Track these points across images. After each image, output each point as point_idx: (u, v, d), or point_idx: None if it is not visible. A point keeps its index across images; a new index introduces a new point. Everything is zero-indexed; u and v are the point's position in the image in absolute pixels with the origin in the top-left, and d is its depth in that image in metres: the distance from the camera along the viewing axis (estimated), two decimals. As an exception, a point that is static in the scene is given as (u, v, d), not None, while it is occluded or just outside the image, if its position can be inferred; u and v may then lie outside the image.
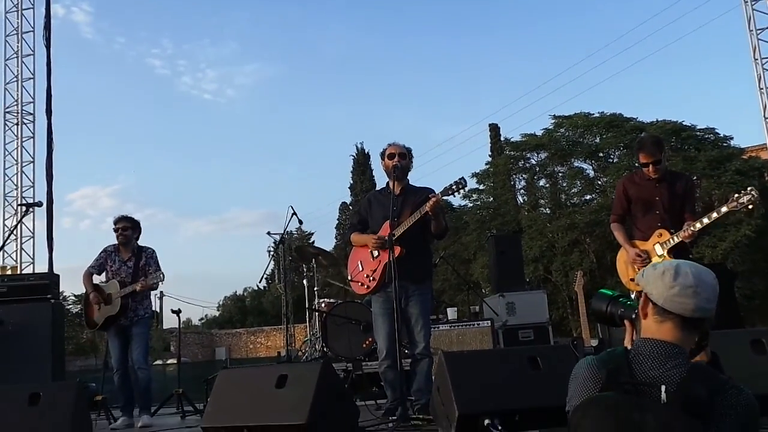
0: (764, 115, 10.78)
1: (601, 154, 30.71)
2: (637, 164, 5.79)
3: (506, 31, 63.97)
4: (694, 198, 5.55)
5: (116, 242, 6.94)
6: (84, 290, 7.03)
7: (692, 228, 5.13)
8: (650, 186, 5.50)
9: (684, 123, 29.19)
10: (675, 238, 5.21)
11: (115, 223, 6.94)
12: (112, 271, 6.84)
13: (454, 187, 5.12)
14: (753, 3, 10.82)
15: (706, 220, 5.17)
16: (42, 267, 11.06)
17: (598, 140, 30.42)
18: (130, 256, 6.87)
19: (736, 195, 5.08)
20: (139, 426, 6.35)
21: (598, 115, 30.27)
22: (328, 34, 67.28)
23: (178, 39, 69.54)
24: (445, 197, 5.18)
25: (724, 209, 5.11)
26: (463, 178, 5.15)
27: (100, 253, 6.96)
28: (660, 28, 68.10)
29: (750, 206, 5.03)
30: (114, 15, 67.74)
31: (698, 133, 29.03)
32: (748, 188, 5.10)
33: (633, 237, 5.58)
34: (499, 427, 3.64)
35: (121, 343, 6.72)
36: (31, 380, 6.81)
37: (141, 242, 7.05)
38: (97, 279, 6.91)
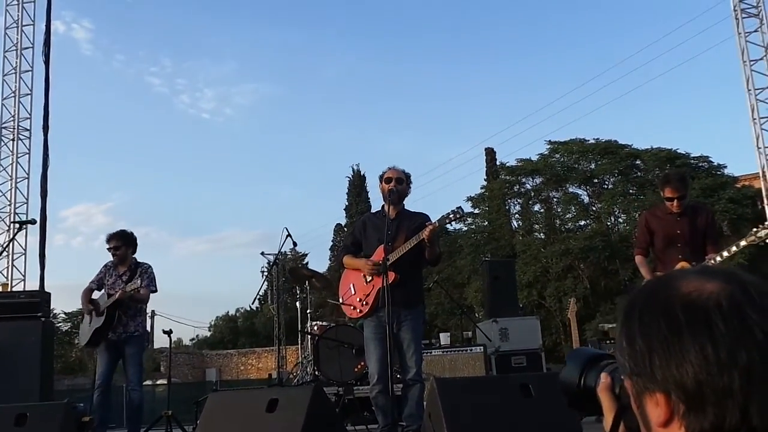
0: (757, 145, 10.88)
1: (595, 180, 30.87)
2: (662, 197, 5.81)
3: (504, 56, 64.45)
4: (716, 230, 5.69)
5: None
6: (81, 308, 6.97)
7: (713, 261, 5.28)
8: (672, 220, 5.61)
9: (678, 151, 29.46)
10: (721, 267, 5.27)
11: (108, 242, 6.84)
12: (108, 285, 6.75)
13: (451, 216, 5.14)
14: (747, 35, 10.95)
15: (726, 254, 5.31)
16: (33, 284, 11.02)
17: (593, 166, 30.58)
18: (125, 271, 6.77)
19: (755, 229, 5.24)
20: None
21: (593, 141, 30.49)
22: (327, 56, 67.69)
23: (178, 58, 69.90)
24: (442, 225, 5.20)
25: (743, 243, 5.27)
26: (460, 207, 5.18)
27: (100, 269, 6.90)
28: (655, 57, 68.61)
29: (767, 240, 5.15)
30: (114, 32, 68.09)
31: (692, 161, 29.23)
32: (766, 223, 5.23)
33: (655, 269, 5.67)
34: (491, 456, 3.62)
35: (109, 359, 6.53)
36: (18, 400, 6.75)
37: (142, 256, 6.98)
38: (98, 295, 6.82)
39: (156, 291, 6.91)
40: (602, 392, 1.10)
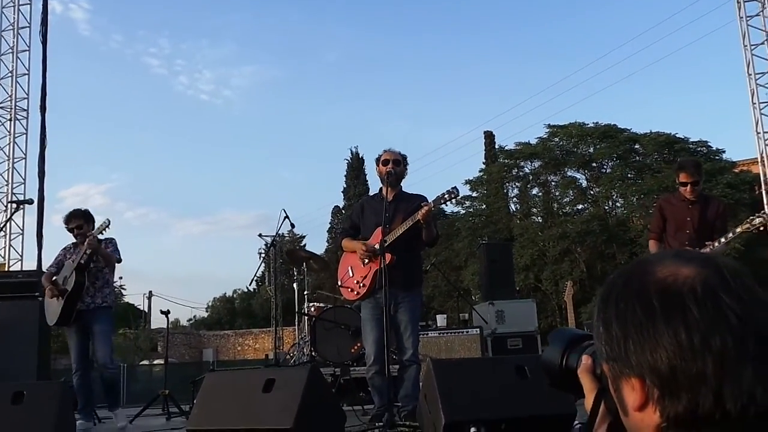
0: (756, 130, 10.87)
1: (594, 164, 30.81)
2: (675, 184, 6.12)
3: (503, 39, 64.18)
4: (725, 223, 5.81)
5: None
6: None
7: (711, 247, 5.43)
8: (684, 207, 5.84)
9: (677, 135, 29.39)
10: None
11: (67, 222, 6.58)
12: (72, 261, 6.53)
13: (446, 196, 5.15)
14: (748, 19, 10.90)
15: (723, 240, 5.50)
16: (31, 264, 11.03)
17: (591, 150, 30.51)
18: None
19: (751, 217, 5.48)
20: (119, 426, 6.20)
21: (592, 125, 30.37)
22: (326, 38, 67.36)
23: (177, 38, 69.51)
24: (438, 206, 5.22)
25: (738, 230, 5.51)
26: (455, 187, 5.19)
27: (58, 253, 6.71)
28: (656, 41, 68.45)
29: (761, 228, 5.28)
30: (112, 12, 67.58)
31: (691, 145, 29.20)
32: (762, 211, 5.36)
33: None
34: (485, 436, 3.65)
35: (80, 340, 6.38)
36: (16, 378, 6.77)
37: (127, 238, 6.85)
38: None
39: (120, 261, 6.72)
40: (583, 374, 1.11)
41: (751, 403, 0.86)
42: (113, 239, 6.68)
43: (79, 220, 6.54)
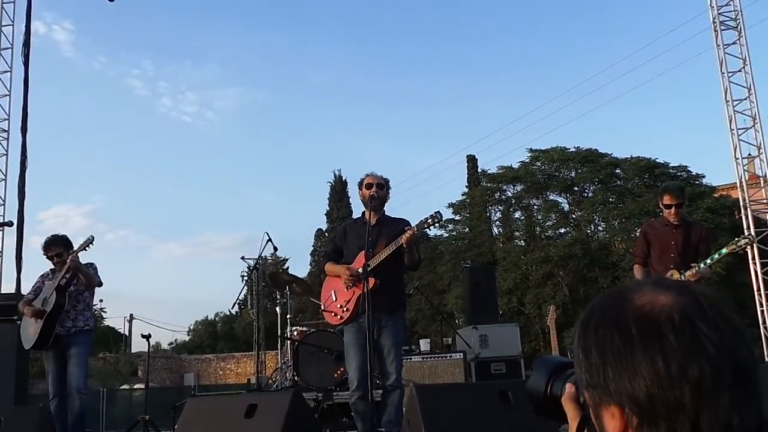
0: (735, 156, 10.98)
1: (576, 188, 31.01)
2: (657, 208, 6.21)
3: (486, 65, 64.72)
4: (708, 247, 5.84)
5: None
6: None
7: (696, 268, 5.49)
8: (668, 231, 5.88)
9: (657, 160, 29.68)
10: (683, 277, 5.50)
11: (46, 249, 6.45)
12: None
13: (429, 220, 5.16)
14: (725, 47, 11.07)
15: (708, 261, 5.55)
16: (9, 287, 10.88)
17: (573, 174, 30.72)
18: (67, 272, 6.33)
19: (736, 239, 5.54)
20: None
21: (573, 149, 30.64)
22: (309, 61, 67.58)
23: (160, 60, 69.44)
24: (421, 230, 5.23)
25: (724, 251, 5.57)
26: (438, 212, 5.20)
27: (37, 279, 6.61)
28: (636, 67, 69.36)
29: (746, 248, 5.34)
30: (96, 34, 67.76)
31: (671, 170, 29.46)
32: (746, 233, 5.45)
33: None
34: (469, 462, 3.63)
35: (58, 367, 6.23)
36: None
37: (108, 260, 6.71)
38: None
39: (101, 284, 6.60)
40: (566, 402, 1.12)
41: (727, 431, 0.87)
42: (93, 264, 6.56)
43: (59, 248, 6.41)
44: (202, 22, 67.52)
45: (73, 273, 6.21)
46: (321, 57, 67.14)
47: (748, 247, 5.43)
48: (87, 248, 6.17)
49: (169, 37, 67.32)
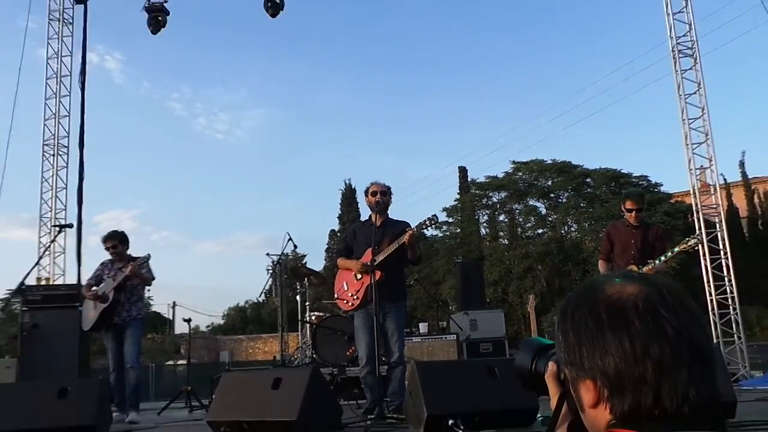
0: (689, 167, 10.95)
1: (552, 195, 30.90)
2: (621, 211, 6.12)
3: (475, 88, 64.58)
4: (663, 244, 5.78)
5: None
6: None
7: (651, 264, 5.43)
8: (628, 232, 5.84)
9: (622, 171, 29.56)
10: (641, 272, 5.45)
11: (105, 242, 6.58)
12: (109, 278, 6.47)
13: (427, 222, 5.18)
14: (683, 72, 11.04)
15: (663, 258, 5.50)
16: (71, 279, 10.93)
17: (550, 183, 30.63)
18: (123, 265, 6.47)
19: (687, 239, 5.50)
20: (127, 421, 5.98)
21: (550, 161, 30.51)
22: (323, 86, 67.46)
23: (196, 86, 69.29)
24: (420, 230, 5.24)
25: (676, 249, 5.53)
26: (435, 215, 5.23)
27: (97, 266, 6.63)
28: (605, 90, 68.89)
29: (696, 247, 5.32)
30: (141, 63, 67.33)
31: (634, 179, 29.34)
32: (696, 234, 5.42)
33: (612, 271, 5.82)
34: (461, 427, 3.64)
35: (116, 346, 6.32)
36: (61, 376, 6.72)
37: (153, 257, 6.65)
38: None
39: (154, 279, 6.70)
40: (549, 378, 1.12)
41: (685, 402, 0.88)
42: (149, 256, 6.59)
43: (114, 241, 6.58)
44: (232, 53, 67.51)
45: (129, 278, 6.32)
46: (332, 83, 66.99)
47: (698, 246, 5.37)
48: (143, 265, 6.34)
49: (204, 66, 67.34)
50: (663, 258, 5.51)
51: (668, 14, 11.20)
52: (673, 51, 11.15)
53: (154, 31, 11.91)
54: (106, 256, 6.64)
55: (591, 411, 0.95)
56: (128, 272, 6.22)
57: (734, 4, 40.90)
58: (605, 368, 0.91)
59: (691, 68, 11.07)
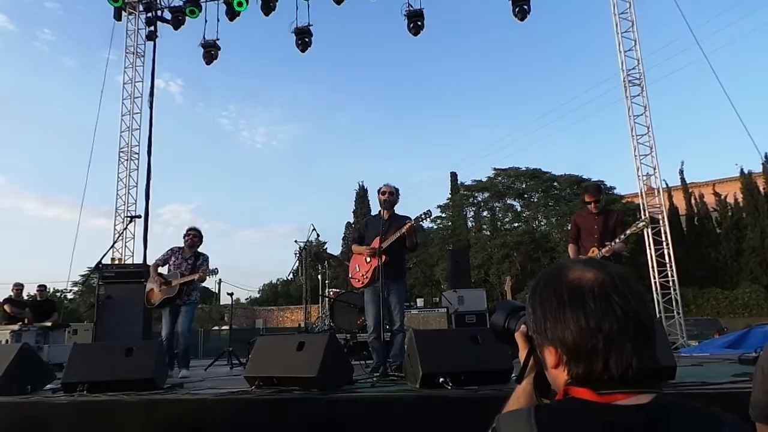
0: (637, 174, 10.91)
1: (525, 196, 30.86)
2: (583, 202, 5.91)
3: (465, 108, 64.48)
4: (621, 228, 5.50)
5: (182, 245, 6.51)
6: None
7: (609, 246, 5.28)
8: (591, 218, 5.64)
9: (583, 176, 29.45)
10: (600, 253, 5.32)
11: (191, 230, 6.57)
12: (174, 264, 6.43)
13: (423, 216, 5.17)
14: (632, 98, 10.98)
15: (618, 240, 5.32)
16: (138, 259, 10.95)
17: (524, 186, 30.61)
18: (190, 256, 6.46)
19: (636, 222, 5.34)
20: (180, 376, 5.94)
21: (524, 168, 30.51)
22: (342, 106, 67.60)
23: (240, 105, 69.45)
24: (417, 223, 5.22)
25: (628, 231, 5.31)
26: (429, 210, 5.22)
27: (166, 251, 6.57)
28: (572, 110, 68.48)
29: (644, 230, 5.17)
30: (197, 87, 67.75)
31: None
32: (643, 217, 5.30)
33: (579, 253, 5.69)
34: (450, 383, 3.62)
35: (172, 320, 6.28)
36: (128, 338, 6.74)
37: (204, 248, 6.68)
38: (162, 270, 6.53)
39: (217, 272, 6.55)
40: (519, 337, 1.12)
41: (628, 369, 0.89)
42: (208, 258, 6.57)
43: (197, 233, 6.56)
44: (270, 79, 67.63)
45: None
46: (349, 103, 67.06)
47: (646, 228, 5.23)
48: (207, 275, 6.22)
49: (247, 90, 67.47)
50: (617, 240, 5.32)
51: (620, 51, 11.18)
52: (624, 80, 11.09)
53: (208, 63, 11.90)
54: (168, 239, 6.67)
55: (552, 370, 0.96)
56: (196, 278, 6.17)
57: (677, 42, 40.57)
58: (564, 339, 0.91)
59: (638, 95, 11.03)
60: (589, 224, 5.64)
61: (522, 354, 1.12)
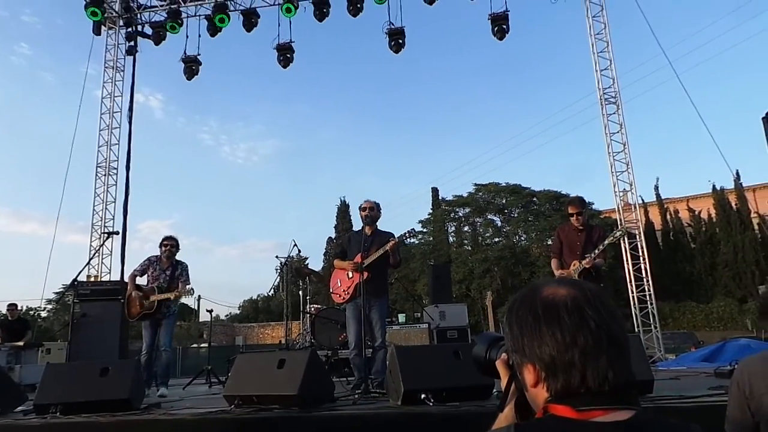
0: (614, 190, 11.09)
1: (506, 211, 31.11)
2: (567, 215, 5.93)
3: (445, 125, 65.09)
4: (603, 244, 5.55)
5: (159, 254, 6.43)
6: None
7: (589, 257, 5.32)
8: (575, 234, 5.67)
9: (561, 192, 29.84)
10: (581, 265, 5.37)
11: (167, 239, 6.46)
12: (153, 276, 6.35)
13: (407, 234, 5.20)
14: (608, 116, 11.18)
15: (596, 251, 5.38)
16: (115, 276, 10.76)
17: (504, 201, 30.85)
18: (168, 266, 6.37)
19: (613, 232, 5.40)
20: (158, 395, 5.85)
21: (504, 184, 30.79)
22: (322, 122, 67.67)
23: (221, 121, 69.03)
24: (401, 240, 5.22)
25: (606, 242, 5.38)
26: (413, 228, 5.28)
27: (144, 261, 6.49)
28: (550, 128, 69.64)
29: (621, 239, 5.20)
30: (178, 102, 67.11)
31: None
32: (620, 227, 5.36)
33: (561, 267, 5.71)
34: (432, 400, 3.61)
35: (152, 333, 6.23)
36: (105, 356, 6.59)
37: (183, 258, 6.59)
38: (138, 281, 6.43)
39: (190, 286, 6.47)
40: (500, 365, 1.13)
41: (605, 381, 0.89)
42: (187, 267, 6.51)
43: (174, 242, 6.49)
44: (251, 95, 67.44)
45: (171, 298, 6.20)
46: (330, 119, 67.13)
47: (623, 237, 5.26)
48: (185, 295, 6.19)
49: (229, 106, 67.17)
50: (596, 251, 5.36)
51: (596, 71, 11.41)
52: (600, 99, 11.32)
53: (189, 78, 11.86)
54: (146, 255, 6.52)
55: (532, 390, 0.96)
56: (173, 297, 6.11)
57: (651, 61, 41.63)
58: (542, 355, 0.92)
59: (614, 113, 11.25)
60: (573, 239, 5.67)
61: (503, 381, 1.13)
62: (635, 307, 10.40)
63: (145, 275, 6.43)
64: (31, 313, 27.94)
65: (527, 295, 0.99)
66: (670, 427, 0.90)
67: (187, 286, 6.26)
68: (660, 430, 0.89)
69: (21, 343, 8.60)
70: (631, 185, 11.05)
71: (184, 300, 6.85)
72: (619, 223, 10.94)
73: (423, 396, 3.62)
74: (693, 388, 4.01)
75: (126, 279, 6.61)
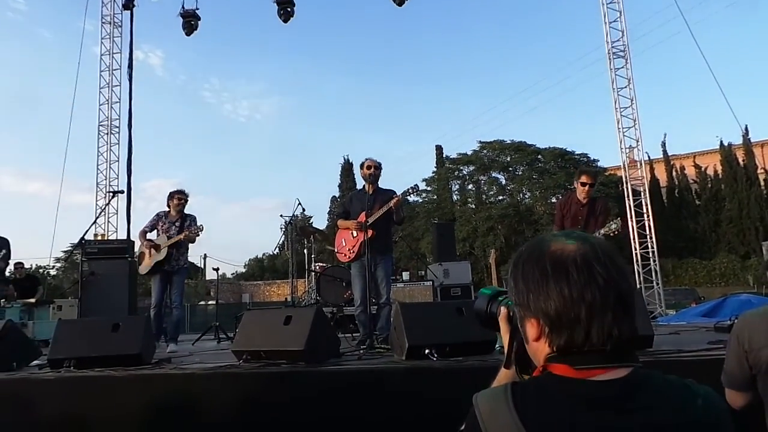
0: (620, 146, 11.00)
1: (510, 169, 30.92)
2: (573, 184, 5.79)
3: (451, 82, 64.06)
4: (606, 216, 5.51)
5: (167, 209, 6.43)
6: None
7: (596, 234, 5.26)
8: (577, 207, 5.60)
9: (567, 149, 29.60)
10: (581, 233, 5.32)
11: (178, 193, 6.46)
12: (162, 229, 6.35)
13: (410, 190, 5.16)
14: (616, 70, 10.99)
15: (599, 233, 5.20)
16: (122, 235, 10.86)
17: (509, 159, 30.62)
18: (177, 218, 6.36)
19: (608, 223, 5.20)
20: (168, 351, 5.87)
21: (509, 141, 30.49)
22: (326, 78, 66.72)
23: (224, 78, 68.20)
24: (404, 197, 5.22)
25: (602, 231, 5.19)
26: (416, 184, 5.20)
27: (153, 217, 6.49)
28: (556, 83, 68.50)
29: (616, 232, 5.11)
30: (178, 59, 66.11)
31: (576, 156, 29.38)
32: (616, 219, 5.22)
33: None
34: (435, 355, 3.68)
35: (162, 287, 6.23)
36: (114, 314, 6.70)
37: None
38: (150, 236, 6.43)
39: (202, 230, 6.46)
40: (501, 318, 1.13)
41: (609, 339, 0.89)
42: (195, 217, 6.50)
43: (185, 195, 6.49)
44: (253, 52, 66.47)
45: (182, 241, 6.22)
46: (334, 75, 66.26)
47: (617, 232, 5.14)
48: (198, 233, 6.16)
49: (230, 62, 66.18)
50: (599, 233, 5.30)
51: (605, 23, 11.12)
52: (609, 52, 11.08)
53: (188, 33, 11.64)
54: (152, 214, 6.54)
55: (534, 343, 0.95)
56: (183, 237, 6.11)
57: (660, 13, 40.48)
58: (547, 310, 0.91)
59: (622, 67, 11.03)
60: (575, 213, 5.62)
61: (504, 336, 1.13)
62: (638, 264, 10.47)
63: (155, 230, 6.43)
64: (41, 271, 28.34)
65: (534, 249, 0.97)
66: (667, 382, 0.91)
67: (197, 224, 6.22)
68: (655, 385, 0.89)
69: (33, 300, 8.74)
70: (637, 141, 10.95)
71: (191, 259, 6.89)
72: (624, 179, 10.89)
73: (427, 351, 3.68)
74: (692, 342, 4.07)
75: (132, 238, 6.65)
